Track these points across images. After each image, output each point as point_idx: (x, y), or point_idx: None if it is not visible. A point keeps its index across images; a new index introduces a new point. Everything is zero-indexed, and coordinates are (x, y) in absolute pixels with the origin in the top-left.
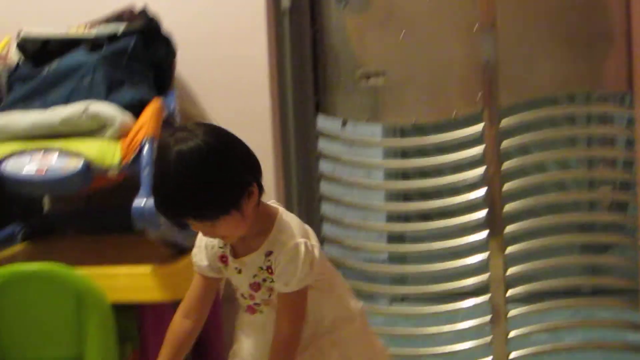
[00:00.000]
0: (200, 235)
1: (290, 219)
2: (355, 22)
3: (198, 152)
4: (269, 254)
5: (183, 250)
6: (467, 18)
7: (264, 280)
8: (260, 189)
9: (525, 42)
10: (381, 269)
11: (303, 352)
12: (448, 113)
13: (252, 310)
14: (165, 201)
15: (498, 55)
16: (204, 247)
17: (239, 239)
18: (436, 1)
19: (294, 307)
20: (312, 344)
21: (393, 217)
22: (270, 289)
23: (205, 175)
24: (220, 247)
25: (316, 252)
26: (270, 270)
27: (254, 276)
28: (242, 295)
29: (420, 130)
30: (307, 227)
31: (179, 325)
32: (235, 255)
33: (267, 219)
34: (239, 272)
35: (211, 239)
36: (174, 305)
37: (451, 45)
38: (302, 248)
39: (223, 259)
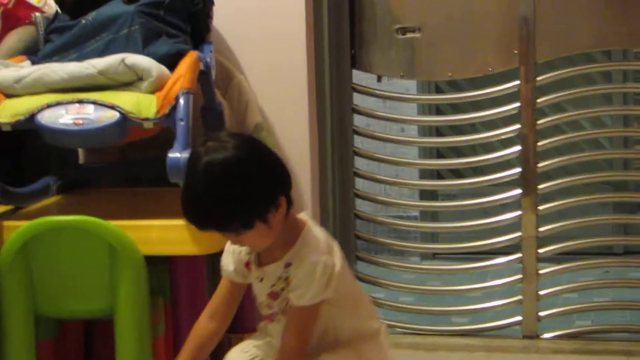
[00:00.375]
0: (228, 246)
1: (316, 234)
2: None
3: (226, 164)
4: (288, 265)
5: None
6: None
7: (282, 289)
8: (289, 202)
9: None
10: (413, 225)
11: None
12: (484, 69)
13: (270, 318)
14: (191, 212)
15: (535, 11)
16: (231, 252)
17: (265, 248)
18: None
19: (303, 321)
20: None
21: (426, 174)
22: (286, 299)
23: (230, 189)
24: (247, 254)
25: (337, 269)
26: (288, 281)
27: (272, 285)
28: (262, 303)
29: (455, 86)
30: (332, 242)
31: (204, 327)
32: (259, 264)
33: (294, 231)
34: (261, 280)
35: (238, 246)
36: (206, 259)
37: (488, 0)
38: (321, 266)
39: (248, 265)
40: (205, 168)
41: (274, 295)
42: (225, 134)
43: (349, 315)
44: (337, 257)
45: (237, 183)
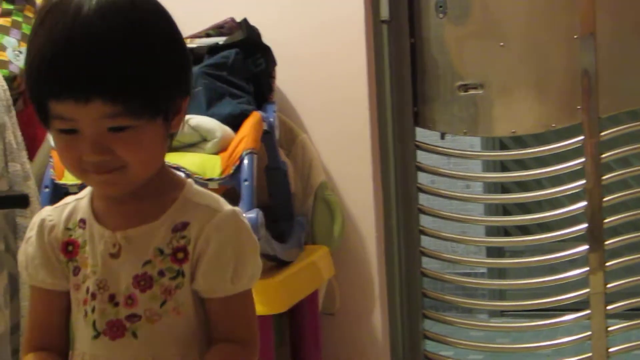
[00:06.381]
0: (35, 219)
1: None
2: (454, 33)
3: (131, 3)
4: (181, 227)
5: (282, 263)
6: (566, 27)
7: (161, 274)
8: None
9: (624, 51)
10: (480, 283)
11: None
12: (547, 124)
13: (117, 330)
14: (85, 62)
15: (597, 65)
16: (36, 232)
17: (124, 198)
18: (534, 11)
19: (250, 312)
20: None
21: (492, 231)
22: (168, 292)
23: (148, 34)
24: (68, 229)
25: None
26: (182, 257)
27: (146, 264)
28: (111, 300)
29: (520, 142)
30: None
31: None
32: (111, 226)
33: (171, 177)
34: (115, 256)
35: (51, 214)
36: (273, 319)
37: (550, 55)
38: (246, 221)
39: (69, 247)
40: (99, 7)
41: (144, 283)
42: None
43: None
44: None
45: (156, 29)
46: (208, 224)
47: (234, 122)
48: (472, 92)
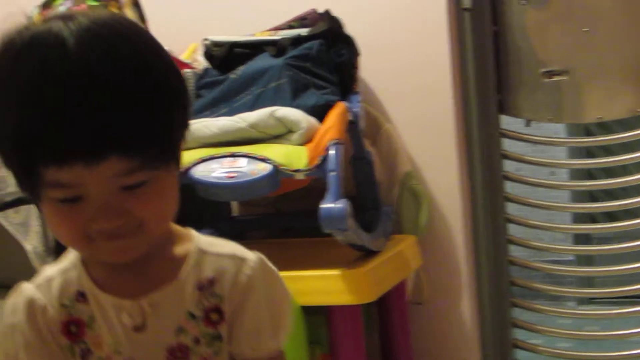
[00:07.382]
0: (15, 301)
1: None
2: (537, 18)
3: (128, 21)
4: (207, 284)
5: (370, 253)
6: None
7: (196, 341)
8: None
9: None
10: (568, 270)
11: None
12: (633, 109)
13: None
14: (95, 115)
15: None
16: (25, 315)
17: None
18: None
19: None
20: None
21: (579, 218)
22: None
23: (157, 52)
24: (65, 306)
25: None
26: (216, 318)
27: (179, 332)
28: None
29: (606, 127)
30: None
31: None
32: (124, 295)
33: (173, 227)
34: (140, 328)
35: (37, 292)
36: (362, 309)
37: (635, 39)
38: (271, 265)
39: (71, 328)
40: (100, 31)
41: (181, 354)
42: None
43: None
44: None
45: (157, 48)
46: (239, 276)
47: (319, 113)
48: (556, 78)
